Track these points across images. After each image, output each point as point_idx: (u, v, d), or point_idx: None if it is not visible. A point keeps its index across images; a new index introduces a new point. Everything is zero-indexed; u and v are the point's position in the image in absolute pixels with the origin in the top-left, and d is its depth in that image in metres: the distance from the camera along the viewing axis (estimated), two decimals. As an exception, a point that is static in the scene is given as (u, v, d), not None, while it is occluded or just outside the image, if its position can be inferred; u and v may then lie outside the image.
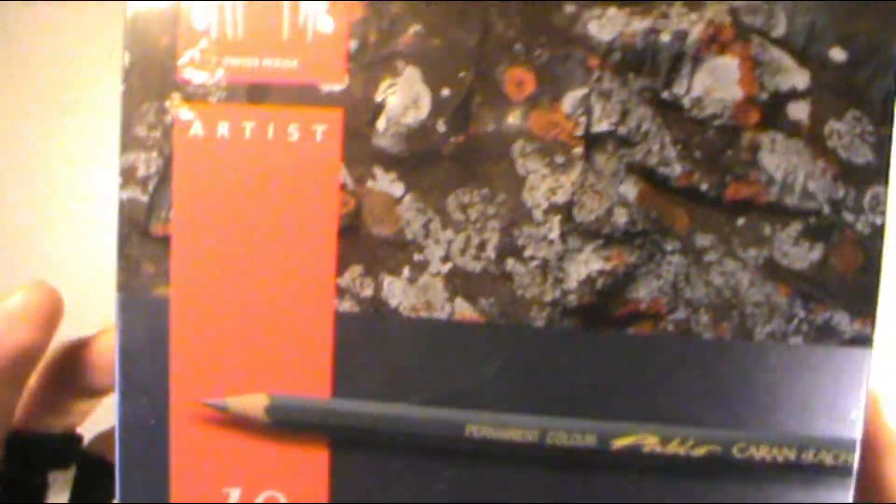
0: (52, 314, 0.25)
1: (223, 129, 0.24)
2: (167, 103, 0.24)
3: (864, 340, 0.23)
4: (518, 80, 0.23)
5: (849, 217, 0.23)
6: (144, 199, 0.25)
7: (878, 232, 0.23)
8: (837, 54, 0.22)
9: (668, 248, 0.23)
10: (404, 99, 0.23)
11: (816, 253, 0.23)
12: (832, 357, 0.23)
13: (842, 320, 0.23)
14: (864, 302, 0.23)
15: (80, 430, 0.29)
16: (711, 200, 0.23)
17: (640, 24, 0.23)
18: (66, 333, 0.27)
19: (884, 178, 0.23)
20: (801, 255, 0.23)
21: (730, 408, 0.23)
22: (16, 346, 0.25)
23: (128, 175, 0.25)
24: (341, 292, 0.24)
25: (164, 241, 0.24)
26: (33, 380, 0.26)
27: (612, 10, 0.23)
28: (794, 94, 0.23)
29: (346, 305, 0.24)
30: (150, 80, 0.24)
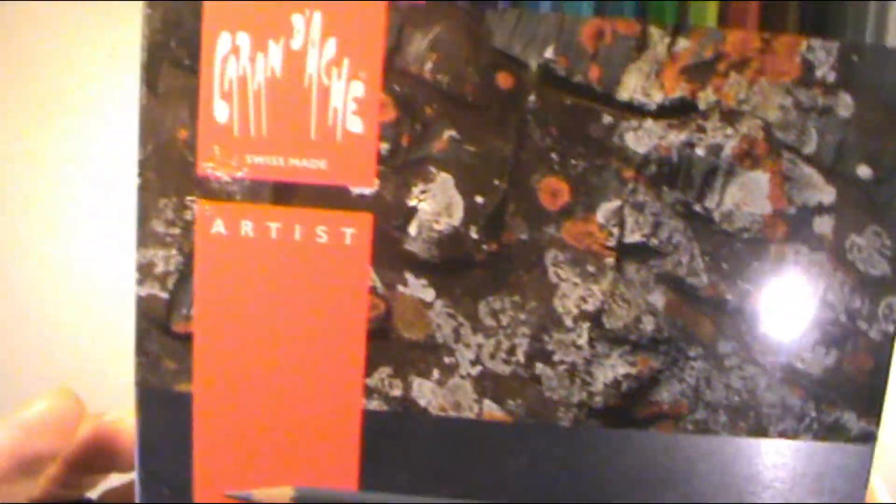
0: (71, 422, 0.25)
1: (247, 227, 0.23)
2: (187, 200, 0.23)
3: (868, 437, 0.24)
4: (553, 189, 0.23)
5: (863, 325, 0.24)
6: (164, 295, 0.24)
7: (889, 339, 0.24)
8: (864, 172, 0.23)
9: (692, 353, 0.24)
10: (437, 205, 0.23)
11: (831, 359, 0.24)
12: (839, 452, 0.24)
13: (850, 419, 0.24)
14: (871, 402, 0.24)
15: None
16: (736, 310, 0.23)
17: (676, 137, 0.23)
18: (67, 327, 0.27)
19: (898, 289, 0.24)
20: (816, 360, 0.24)
21: (744, 499, 0.24)
22: (33, 454, 0.25)
23: (145, 271, 0.24)
24: (370, 392, 0.24)
25: (187, 338, 0.24)
26: (54, 468, 0.26)
27: (649, 123, 0.23)
28: (820, 209, 0.23)
29: (375, 404, 0.24)
30: (168, 174, 0.23)
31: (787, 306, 0.23)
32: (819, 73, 0.23)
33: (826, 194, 0.23)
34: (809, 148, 0.23)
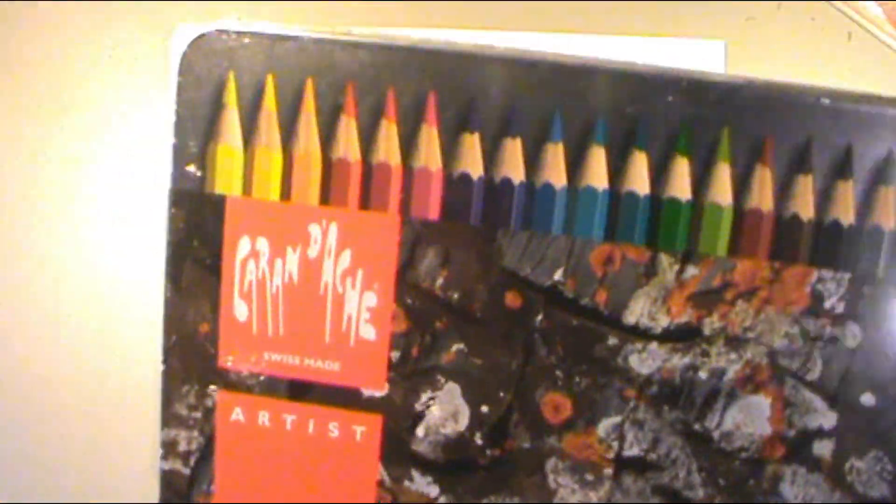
0: None
1: (264, 418, 0.25)
2: (209, 389, 0.25)
3: None
4: (556, 404, 0.24)
5: (857, 541, 0.24)
6: (186, 471, 0.25)
7: (884, 554, 0.24)
8: (867, 399, 0.23)
9: (686, 558, 0.24)
10: (444, 412, 0.24)
11: (823, 570, 0.24)
12: None
13: None
14: None
15: None
16: (731, 522, 0.24)
17: (679, 361, 0.23)
18: (67, 327, 0.29)
19: (895, 509, 0.24)
20: (808, 571, 0.24)
21: None
22: None
23: (169, 448, 0.25)
24: (375, 571, 0.25)
25: (206, 510, 0.26)
26: None
27: (654, 346, 0.23)
28: (820, 433, 0.23)
29: (380, 582, 0.25)
30: (191, 364, 0.25)
31: (783, 521, 0.24)
32: (828, 304, 0.23)
33: (827, 419, 0.23)
34: (813, 375, 0.23)
